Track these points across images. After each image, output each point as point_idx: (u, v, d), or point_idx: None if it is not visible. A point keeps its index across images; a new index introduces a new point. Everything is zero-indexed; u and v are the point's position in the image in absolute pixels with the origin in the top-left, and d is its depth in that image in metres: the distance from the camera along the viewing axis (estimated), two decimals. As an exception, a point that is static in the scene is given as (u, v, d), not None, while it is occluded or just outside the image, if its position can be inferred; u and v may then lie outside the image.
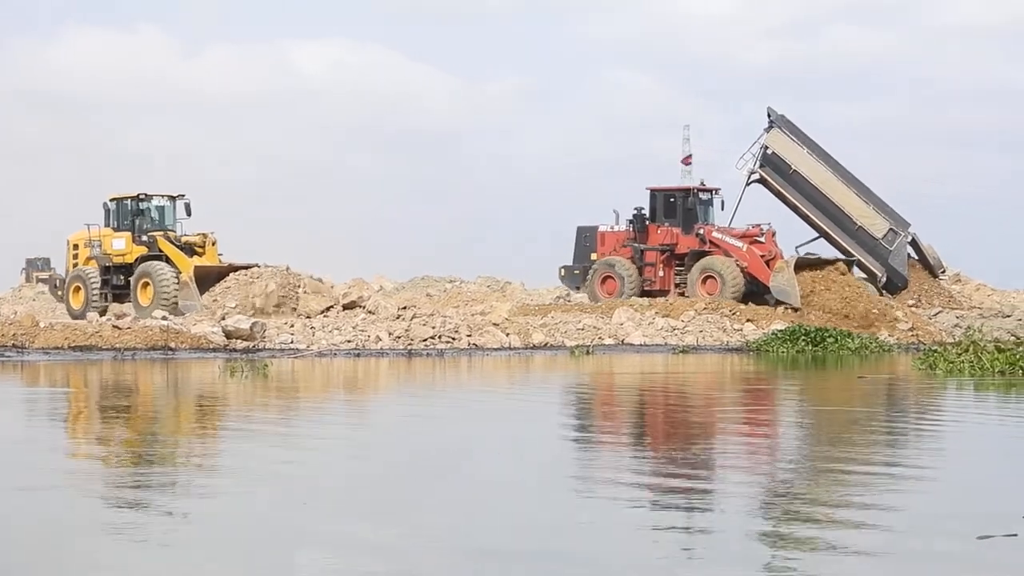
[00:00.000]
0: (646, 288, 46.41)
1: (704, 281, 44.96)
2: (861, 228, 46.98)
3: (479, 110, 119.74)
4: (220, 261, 42.79)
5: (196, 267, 41.50)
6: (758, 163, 47.86)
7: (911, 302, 46.00)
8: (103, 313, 41.95)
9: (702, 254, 45.67)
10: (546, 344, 38.19)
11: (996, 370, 25.27)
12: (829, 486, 10.86)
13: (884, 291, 46.79)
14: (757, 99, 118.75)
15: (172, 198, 44.30)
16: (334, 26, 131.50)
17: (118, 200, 44.30)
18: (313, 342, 36.13)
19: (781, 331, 38.56)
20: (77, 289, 44.03)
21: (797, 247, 47.98)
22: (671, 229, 46.49)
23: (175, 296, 41.08)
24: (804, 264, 44.73)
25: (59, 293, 45.67)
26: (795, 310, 42.70)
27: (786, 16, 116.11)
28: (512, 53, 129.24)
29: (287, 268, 42.03)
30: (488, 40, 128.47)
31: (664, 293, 45.95)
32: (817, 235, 48.06)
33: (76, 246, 45.21)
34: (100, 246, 43.96)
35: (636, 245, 46.68)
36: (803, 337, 37.45)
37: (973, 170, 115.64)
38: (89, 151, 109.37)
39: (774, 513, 9.58)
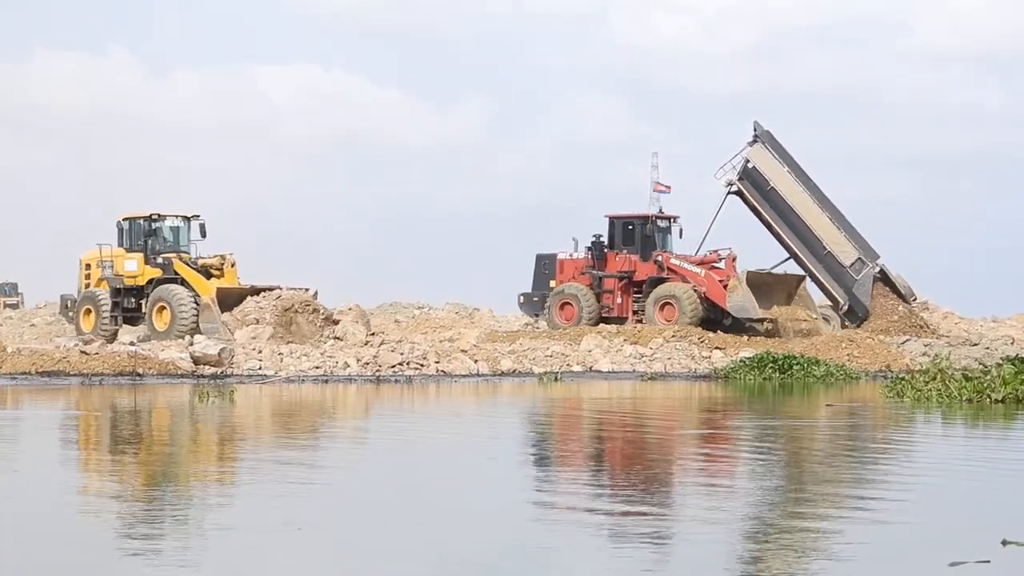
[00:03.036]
0: (604, 315, 46.72)
1: (662, 307, 45.38)
2: (830, 253, 47.21)
3: (446, 135, 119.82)
4: (239, 283, 41.58)
5: (218, 289, 40.26)
6: (738, 175, 48.05)
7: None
8: (112, 338, 41.03)
9: (660, 281, 46.02)
10: (514, 371, 38.15)
11: (964, 398, 25.34)
12: (798, 511, 10.88)
13: (845, 319, 47.13)
14: (723, 125, 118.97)
15: (186, 218, 42.82)
16: (301, 52, 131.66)
17: (130, 219, 42.76)
18: (281, 368, 35.98)
19: (749, 358, 38.60)
20: (88, 311, 42.40)
21: (768, 271, 48.21)
22: (629, 256, 46.82)
23: (194, 321, 39.84)
24: (757, 279, 45.10)
25: (70, 315, 44.01)
26: (760, 323, 43.14)
27: (751, 41, 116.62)
28: (479, 79, 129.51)
29: (315, 293, 41.35)
30: (455, 66, 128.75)
31: (622, 320, 46.22)
32: (788, 256, 48.27)
33: (88, 266, 43.50)
34: (111, 267, 42.37)
35: (595, 272, 46.95)
36: (770, 364, 37.52)
37: (937, 196, 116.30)
38: (57, 174, 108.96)
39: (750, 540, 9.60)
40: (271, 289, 40.65)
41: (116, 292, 42.18)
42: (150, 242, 42.33)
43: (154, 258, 42.01)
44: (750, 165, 48.00)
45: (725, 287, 44.76)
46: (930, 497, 12.17)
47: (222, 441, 17.91)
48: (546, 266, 48.92)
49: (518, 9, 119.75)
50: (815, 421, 22.97)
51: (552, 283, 48.11)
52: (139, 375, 33.85)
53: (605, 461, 15.73)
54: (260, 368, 35.83)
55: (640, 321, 45.65)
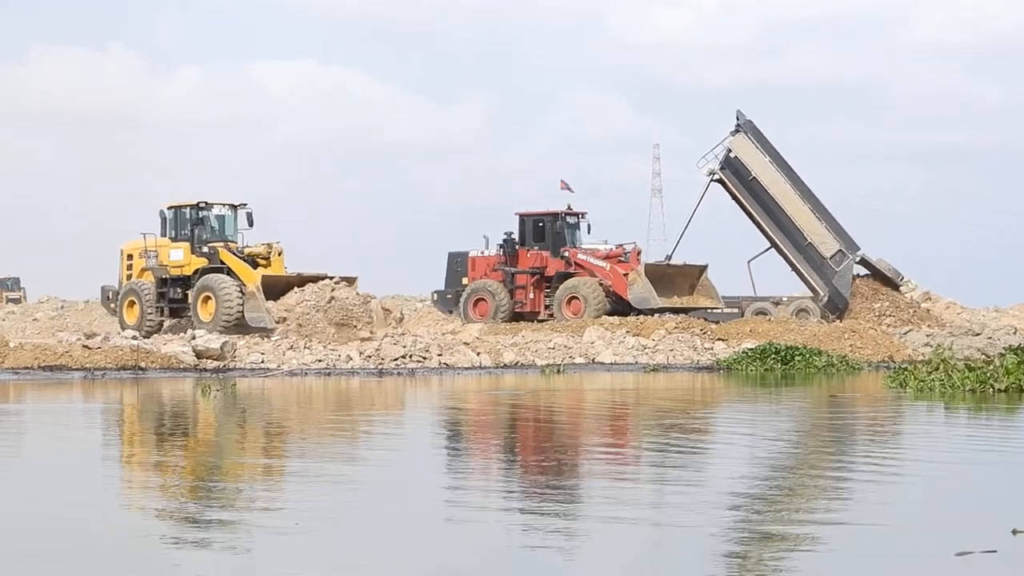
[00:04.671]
0: (517, 310, 47.81)
1: (569, 301, 46.52)
2: (811, 245, 47.40)
3: (447, 132, 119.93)
4: (286, 271, 41.02)
5: (264, 277, 39.75)
6: (720, 165, 48.39)
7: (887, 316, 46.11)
8: (159, 328, 40.59)
9: (568, 275, 46.99)
10: (517, 363, 38.17)
11: (967, 388, 25.33)
12: (804, 497, 10.88)
13: (825, 310, 47.39)
14: (723, 120, 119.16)
15: (233, 207, 42.10)
16: (302, 47, 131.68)
17: (176, 208, 41.86)
18: (284, 362, 36.01)
19: (751, 349, 38.63)
20: (131, 303, 41.70)
21: (749, 260, 48.92)
22: (540, 252, 47.82)
23: (239, 311, 39.36)
24: (658, 271, 46.05)
25: (112, 307, 43.22)
26: (651, 312, 44.13)
27: (751, 36, 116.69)
28: (480, 75, 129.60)
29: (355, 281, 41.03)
30: (456, 62, 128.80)
31: (535, 315, 47.55)
32: (769, 246, 48.50)
33: (130, 256, 42.70)
34: (156, 257, 41.63)
35: (507, 269, 47.88)
36: (772, 355, 37.53)
37: (937, 187, 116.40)
38: (58, 171, 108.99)
39: (735, 528, 9.59)
40: (318, 278, 40.28)
41: (161, 283, 41.44)
42: (196, 231, 41.51)
43: (200, 247, 41.25)
44: (732, 155, 48.21)
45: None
46: (934, 487, 12.15)
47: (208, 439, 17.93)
48: (458, 264, 49.86)
49: (518, 6, 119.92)
50: (816, 412, 22.95)
51: (464, 280, 48.96)
52: (141, 369, 33.89)
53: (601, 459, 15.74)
54: (263, 362, 35.86)
55: (551, 315, 46.66)
